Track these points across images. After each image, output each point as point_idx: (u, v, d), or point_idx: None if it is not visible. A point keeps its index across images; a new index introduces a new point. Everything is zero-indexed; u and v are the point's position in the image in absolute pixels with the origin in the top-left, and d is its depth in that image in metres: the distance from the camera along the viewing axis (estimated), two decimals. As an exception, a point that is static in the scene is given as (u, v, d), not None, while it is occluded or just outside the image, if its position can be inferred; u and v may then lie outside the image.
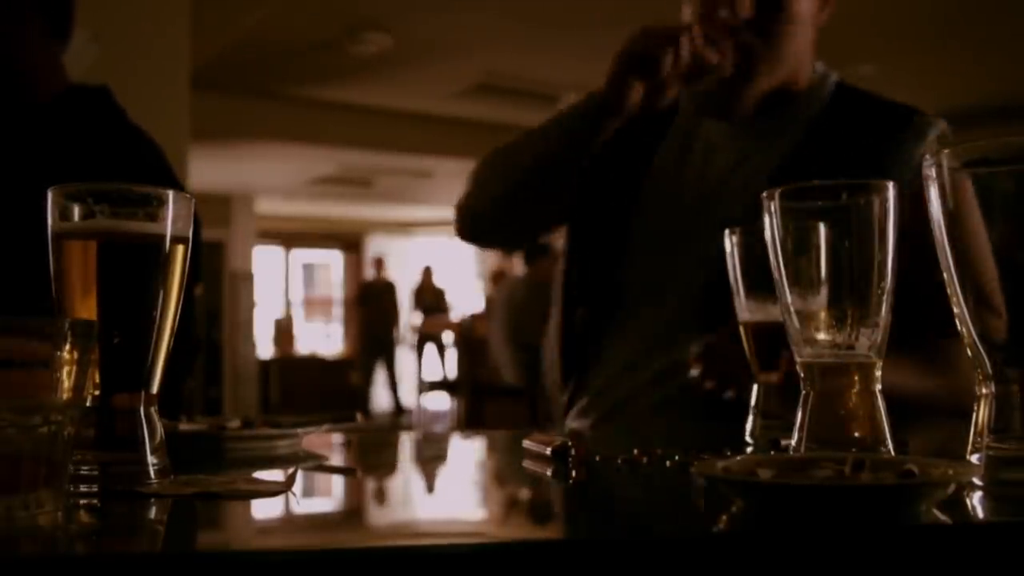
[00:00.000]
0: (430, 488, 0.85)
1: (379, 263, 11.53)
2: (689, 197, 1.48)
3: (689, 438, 1.20)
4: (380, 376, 10.98)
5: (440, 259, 12.34)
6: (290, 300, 13.01)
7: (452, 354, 10.36)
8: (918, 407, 1.38)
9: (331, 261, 13.55)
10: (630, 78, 1.35)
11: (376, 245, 13.02)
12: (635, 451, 0.87)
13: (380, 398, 11.07)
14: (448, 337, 10.48)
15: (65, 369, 0.57)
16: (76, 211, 0.70)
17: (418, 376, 10.15)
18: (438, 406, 10.14)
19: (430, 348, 10.63)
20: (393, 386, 10.86)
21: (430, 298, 11.15)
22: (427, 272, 11.41)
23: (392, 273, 11.68)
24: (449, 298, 11.43)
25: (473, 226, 1.61)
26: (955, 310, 0.69)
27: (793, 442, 0.77)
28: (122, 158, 1.40)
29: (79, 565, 0.47)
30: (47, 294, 0.71)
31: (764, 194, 0.79)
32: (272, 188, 10.29)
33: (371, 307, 10.97)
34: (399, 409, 10.71)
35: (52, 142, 1.42)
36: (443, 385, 9.68)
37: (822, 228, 0.76)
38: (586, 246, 1.56)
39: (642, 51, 1.34)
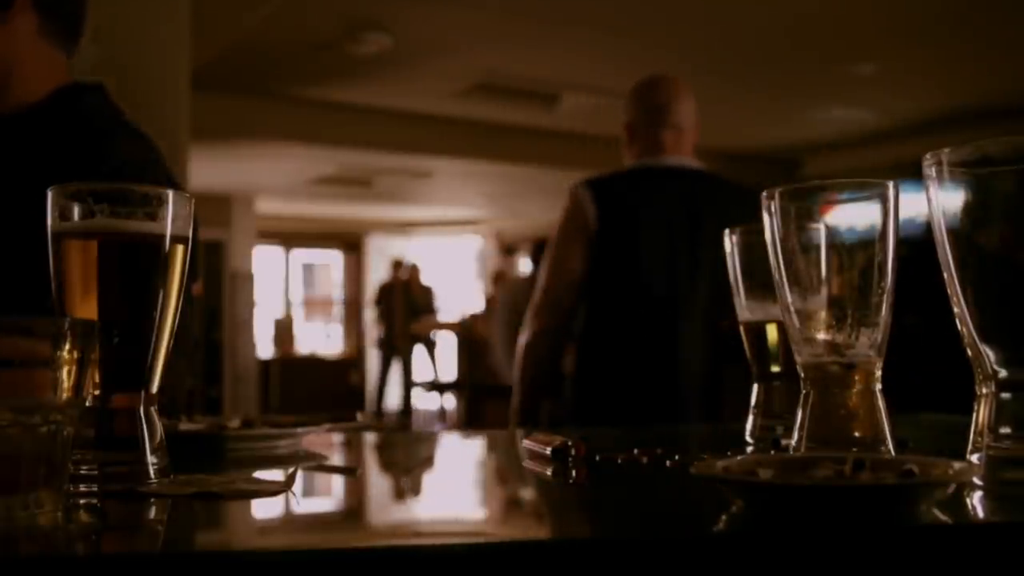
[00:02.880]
0: (430, 488, 0.85)
1: (397, 264, 11.35)
2: None
3: (689, 438, 1.20)
4: (393, 376, 10.84)
5: (440, 259, 12.30)
6: (290, 300, 13.00)
7: (444, 355, 10.29)
8: None
9: (331, 261, 13.55)
10: None
11: (376, 245, 13.01)
12: (635, 451, 0.87)
13: (389, 398, 10.97)
14: (439, 337, 10.36)
15: (65, 369, 0.57)
16: (76, 211, 0.70)
17: (407, 377, 10.05)
18: (432, 406, 10.10)
19: (419, 349, 10.48)
20: (407, 386, 10.66)
21: (419, 298, 10.91)
22: (414, 270, 11.09)
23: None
24: (437, 297, 11.14)
25: None
26: (955, 310, 0.69)
27: (793, 442, 0.77)
28: (117, 155, 1.39)
29: (79, 565, 0.47)
30: (47, 294, 0.71)
31: (764, 194, 0.79)
32: (272, 188, 10.28)
33: (385, 307, 10.83)
34: (408, 409, 10.54)
35: (46, 139, 1.41)
36: (435, 386, 9.62)
37: (822, 228, 0.76)
38: None
39: None
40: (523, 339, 2.36)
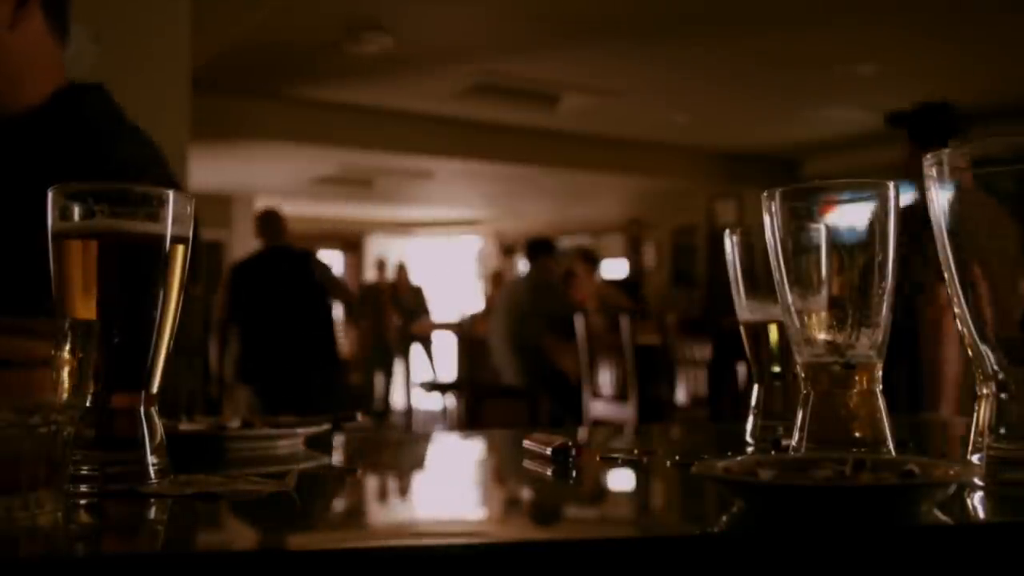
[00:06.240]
0: (430, 488, 0.85)
1: (381, 264, 11.37)
2: None
3: (689, 438, 1.20)
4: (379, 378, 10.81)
5: (440, 259, 12.28)
6: (290, 300, 12.95)
7: (442, 355, 10.27)
8: None
9: (331, 261, 13.53)
10: None
11: (376, 245, 13.00)
12: (635, 451, 0.87)
13: (386, 399, 10.93)
14: (436, 338, 10.33)
15: (65, 369, 0.57)
16: (76, 211, 0.70)
17: (407, 378, 10.01)
18: (433, 407, 10.07)
19: (416, 349, 10.42)
20: (386, 388, 10.59)
21: (406, 299, 10.77)
22: (401, 270, 10.90)
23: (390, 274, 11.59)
24: (427, 297, 10.90)
25: None
26: (955, 310, 0.69)
27: (793, 442, 0.77)
28: (118, 156, 1.39)
29: (79, 565, 0.47)
30: (47, 294, 0.71)
31: (765, 194, 0.79)
32: (272, 188, 10.28)
33: (371, 309, 10.80)
34: (387, 411, 10.42)
35: (48, 141, 1.41)
36: (435, 386, 9.60)
37: (822, 228, 0.76)
38: None
39: None
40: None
